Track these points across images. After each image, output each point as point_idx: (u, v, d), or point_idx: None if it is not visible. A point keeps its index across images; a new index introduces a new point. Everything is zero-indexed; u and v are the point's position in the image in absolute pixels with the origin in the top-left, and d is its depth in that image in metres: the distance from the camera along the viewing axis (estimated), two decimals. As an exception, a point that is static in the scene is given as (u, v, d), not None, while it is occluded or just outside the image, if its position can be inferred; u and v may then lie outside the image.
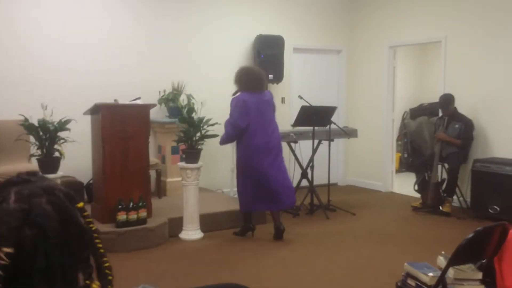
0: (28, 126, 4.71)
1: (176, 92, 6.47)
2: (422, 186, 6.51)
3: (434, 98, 7.48)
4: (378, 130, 7.82)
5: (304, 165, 6.36)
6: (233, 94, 5.30)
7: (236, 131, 5.07)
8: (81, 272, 0.97)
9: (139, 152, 5.19)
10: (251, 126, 5.04)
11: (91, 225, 1.02)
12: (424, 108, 9.23)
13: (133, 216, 4.93)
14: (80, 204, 1.01)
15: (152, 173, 5.91)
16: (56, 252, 0.91)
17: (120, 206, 4.88)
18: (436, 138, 6.45)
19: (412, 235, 5.47)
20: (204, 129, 5.33)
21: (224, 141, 5.26)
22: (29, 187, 0.95)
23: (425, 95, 9.41)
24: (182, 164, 5.26)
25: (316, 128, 6.18)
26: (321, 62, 8.11)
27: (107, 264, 1.05)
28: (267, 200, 5.12)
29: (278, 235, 5.21)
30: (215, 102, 6.55)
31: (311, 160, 6.24)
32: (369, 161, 7.98)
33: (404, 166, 9.27)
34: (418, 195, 6.62)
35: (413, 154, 9.09)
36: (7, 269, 0.87)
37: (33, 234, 0.89)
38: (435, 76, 8.09)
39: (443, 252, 3.45)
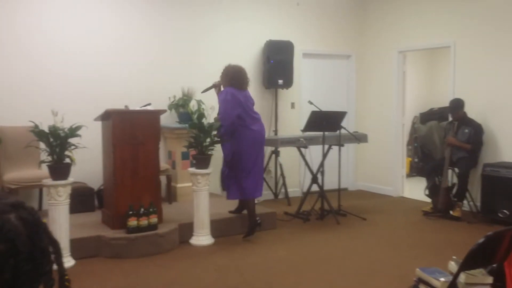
0: (38, 133, 4.73)
1: (186, 98, 6.50)
2: (432, 190, 6.47)
3: (444, 102, 7.45)
4: (388, 135, 7.79)
5: (314, 170, 6.34)
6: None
7: (229, 122, 5.25)
8: (43, 284, 1.01)
9: (149, 158, 5.21)
10: (246, 120, 5.32)
11: (54, 241, 1.05)
12: (434, 112, 9.19)
13: (144, 222, 4.95)
14: (44, 220, 1.04)
15: (163, 179, 5.93)
16: (25, 266, 0.95)
17: (130, 212, 4.90)
18: (446, 142, 6.42)
19: (422, 239, 5.43)
20: (215, 134, 5.34)
21: (223, 135, 5.33)
22: None
23: (435, 99, 9.37)
24: (193, 169, 5.28)
25: (326, 133, 6.17)
26: (331, 67, 8.11)
27: (66, 277, 1.10)
28: (252, 188, 5.40)
29: (253, 230, 5.40)
30: (224, 107, 6.55)
31: (321, 165, 6.22)
32: (379, 166, 7.95)
33: (414, 170, 9.22)
34: (428, 200, 6.58)
35: (424, 159, 9.04)
36: None
37: (4, 248, 0.93)
38: (444, 81, 8.05)
39: (454, 257, 3.43)
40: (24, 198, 5.73)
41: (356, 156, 8.27)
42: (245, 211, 5.65)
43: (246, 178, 5.34)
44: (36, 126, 4.74)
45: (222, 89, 5.51)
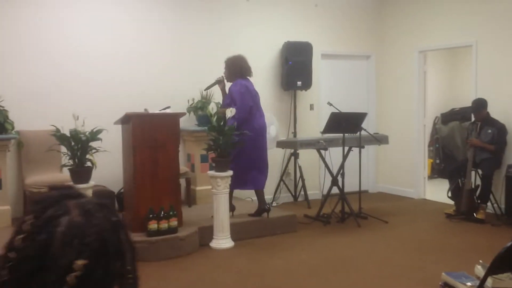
0: (60, 136, 4.78)
1: (205, 101, 6.49)
2: (455, 192, 6.36)
3: (466, 102, 7.32)
4: (409, 136, 7.69)
5: (334, 172, 6.28)
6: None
7: (245, 114, 5.41)
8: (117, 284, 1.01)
9: (169, 161, 5.21)
10: (256, 113, 5.55)
11: (131, 241, 1.04)
12: (455, 113, 9.04)
13: (164, 225, 4.95)
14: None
15: (182, 182, 5.93)
16: (115, 264, 0.95)
17: (151, 215, 4.91)
18: (469, 143, 6.31)
19: (446, 242, 5.33)
20: (234, 137, 5.32)
21: (238, 127, 5.37)
22: (87, 201, 0.98)
23: (456, 99, 9.21)
24: (212, 172, 5.26)
25: (346, 135, 6.11)
26: (350, 68, 8.03)
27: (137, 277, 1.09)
28: (260, 179, 5.61)
29: (261, 213, 5.64)
30: (243, 110, 6.54)
31: (342, 167, 6.16)
32: (400, 167, 7.85)
33: (436, 172, 9.08)
34: (451, 202, 6.47)
35: (445, 160, 8.91)
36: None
37: (98, 247, 0.93)
38: (466, 81, 7.93)
39: (480, 261, 3.36)
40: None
41: (377, 157, 8.18)
42: (264, 214, 5.64)
43: (253, 170, 5.44)
44: (58, 130, 4.79)
45: (226, 83, 5.69)
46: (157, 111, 5.40)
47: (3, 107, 5.39)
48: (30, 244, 0.93)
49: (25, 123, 5.64)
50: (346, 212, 6.15)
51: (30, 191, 5.35)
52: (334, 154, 6.46)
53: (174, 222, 5.02)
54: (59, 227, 0.93)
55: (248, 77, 5.65)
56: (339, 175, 6.18)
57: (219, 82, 5.74)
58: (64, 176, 5.21)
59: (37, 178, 5.43)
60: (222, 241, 5.20)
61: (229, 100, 5.54)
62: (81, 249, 0.91)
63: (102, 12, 6.19)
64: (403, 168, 7.81)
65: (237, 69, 5.57)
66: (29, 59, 5.80)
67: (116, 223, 0.99)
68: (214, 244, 5.20)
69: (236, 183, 5.51)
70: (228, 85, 5.68)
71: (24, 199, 5.63)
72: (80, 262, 0.89)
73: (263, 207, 5.68)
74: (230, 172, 5.27)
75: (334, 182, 6.25)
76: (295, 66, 7.10)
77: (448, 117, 9.14)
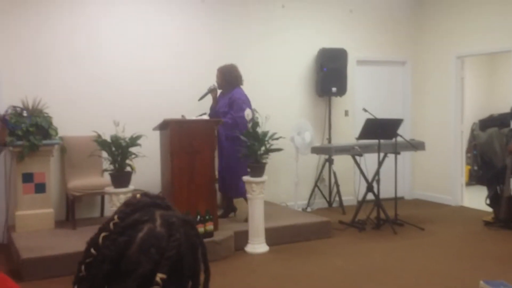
0: (101, 142, 4.93)
1: (240, 107, 6.56)
2: (494, 200, 6.23)
3: (505, 108, 7.17)
4: (446, 142, 7.58)
5: (369, 179, 6.26)
6: (200, 98, 5.88)
7: (248, 122, 5.45)
8: None
9: (205, 166, 5.30)
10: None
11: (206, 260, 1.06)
12: (494, 119, 8.85)
13: (200, 229, 5.03)
14: (200, 231, 1.06)
15: (218, 187, 6.01)
16: (187, 282, 0.97)
17: (187, 219, 4.99)
18: (508, 150, 6.18)
19: (484, 250, 5.24)
20: (269, 143, 5.39)
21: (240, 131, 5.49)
22: (173, 215, 1.00)
23: (495, 106, 9.03)
24: (247, 178, 5.33)
25: (381, 141, 6.08)
26: (386, 74, 7.99)
27: None
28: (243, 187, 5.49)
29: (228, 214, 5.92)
30: (278, 116, 6.60)
31: (377, 173, 6.13)
32: (437, 174, 7.74)
33: (474, 179, 8.89)
34: (490, 209, 6.34)
35: (484, 167, 8.70)
36: None
37: (175, 263, 0.94)
38: (505, 86, 7.77)
39: (521, 270, 3.30)
40: (86, 205, 5.97)
41: (413, 164, 8.09)
42: (231, 214, 5.94)
43: (241, 177, 5.47)
44: (99, 136, 4.94)
45: (218, 92, 5.86)
46: (194, 118, 5.51)
47: (47, 113, 5.60)
48: (110, 244, 0.95)
49: (68, 129, 5.84)
50: (381, 218, 6.11)
51: (72, 195, 5.53)
52: (369, 160, 6.43)
53: (210, 226, 5.10)
54: (141, 232, 0.95)
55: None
56: (375, 181, 6.15)
57: (212, 90, 5.87)
58: (105, 180, 5.36)
59: (79, 182, 5.62)
60: (257, 245, 5.25)
61: (226, 108, 5.68)
62: (157, 260, 0.92)
63: (140, 22, 6.36)
64: (440, 174, 7.70)
65: (233, 78, 5.77)
66: (72, 68, 6.01)
67: (195, 242, 1.00)
68: (249, 248, 5.26)
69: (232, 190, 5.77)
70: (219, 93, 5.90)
71: (66, 203, 5.82)
72: (160, 276, 0.91)
73: (232, 208, 5.95)
74: (265, 178, 5.32)
75: (370, 188, 6.22)
76: (330, 72, 7.12)
77: (486, 123, 8.95)
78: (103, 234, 0.97)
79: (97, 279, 0.94)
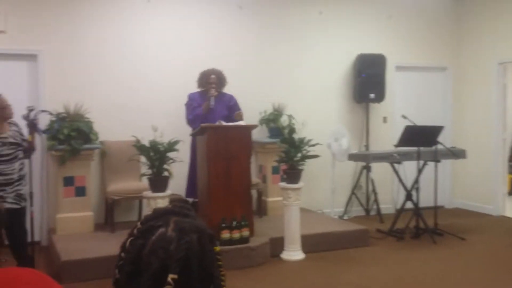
0: (140, 147, 5.01)
1: (277, 113, 6.56)
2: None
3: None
4: (488, 150, 7.36)
5: (409, 187, 6.13)
6: (207, 107, 5.75)
7: None
8: None
9: (241, 172, 5.30)
10: None
11: (221, 270, 1.08)
12: (539, 126, 8.55)
13: (236, 234, 5.04)
14: (217, 248, 1.09)
15: (253, 193, 6.01)
16: (196, 284, 1.01)
17: (223, 225, 5.01)
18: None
19: (530, 264, 5.05)
20: (305, 149, 5.35)
21: None
22: (188, 222, 1.06)
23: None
24: (284, 184, 5.30)
25: (421, 148, 5.96)
26: (425, 81, 7.83)
27: None
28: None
29: None
30: (316, 122, 6.57)
31: (416, 181, 6.00)
32: (478, 183, 7.52)
33: (517, 188, 8.61)
34: (535, 221, 6.11)
35: (528, 176, 8.42)
36: None
37: (184, 266, 0.99)
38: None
39: None
40: (124, 208, 6.06)
41: (453, 172, 7.88)
42: None
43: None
44: (138, 141, 5.03)
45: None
46: (230, 124, 5.53)
47: (88, 118, 5.72)
48: (131, 248, 1.04)
49: (108, 134, 5.95)
50: (420, 227, 5.97)
51: (111, 198, 5.63)
52: (408, 168, 6.31)
53: (246, 232, 5.09)
54: (154, 236, 1.03)
55: None
56: (414, 189, 6.03)
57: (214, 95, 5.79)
58: (143, 185, 5.44)
59: (118, 186, 5.71)
60: (293, 252, 5.21)
61: (226, 111, 5.77)
62: (164, 259, 0.98)
63: (179, 30, 6.43)
64: (481, 183, 7.48)
65: (225, 81, 5.98)
66: (113, 74, 6.13)
67: (208, 249, 1.04)
68: (285, 255, 5.22)
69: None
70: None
71: (105, 206, 5.93)
72: (171, 276, 0.96)
73: None
74: (302, 184, 5.28)
75: (409, 196, 6.10)
76: (368, 78, 7.03)
77: (531, 131, 8.66)
78: (130, 239, 1.06)
79: (123, 279, 1.03)
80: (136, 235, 1.05)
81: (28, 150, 4.48)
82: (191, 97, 5.85)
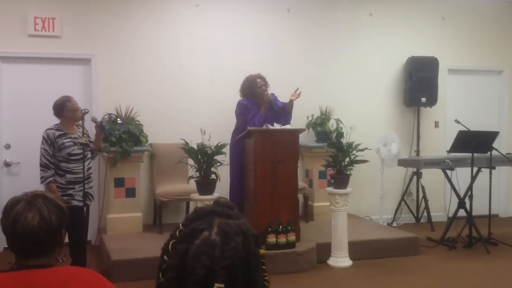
0: (188, 150, 5.07)
1: (324, 117, 6.49)
2: None
3: None
4: (547, 157, 7.00)
5: (461, 194, 5.92)
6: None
7: None
8: None
9: (288, 176, 5.27)
10: None
11: (265, 274, 1.03)
12: None
13: (282, 239, 5.00)
14: (262, 251, 1.03)
15: (300, 197, 5.96)
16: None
17: (270, 229, 4.99)
18: None
19: None
20: (353, 154, 5.26)
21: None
22: (231, 224, 1.00)
23: None
24: (331, 189, 5.23)
25: (475, 154, 5.74)
26: (480, 84, 7.55)
27: None
28: None
29: None
30: (364, 126, 6.44)
31: (470, 188, 5.78)
32: (536, 191, 7.18)
33: None
34: None
35: None
36: None
37: (230, 272, 0.95)
38: None
39: None
40: (172, 210, 6.15)
41: (509, 180, 7.56)
42: None
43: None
44: (187, 144, 5.08)
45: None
46: (277, 127, 5.51)
47: (139, 121, 5.85)
48: (174, 252, 0.99)
49: (157, 136, 6.07)
50: (473, 236, 5.75)
51: (160, 200, 5.72)
52: (461, 175, 6.09)
53: (292, 237, 5.05)
54: (197, 240, 0.97)
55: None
56: (467, 197, 5.81)
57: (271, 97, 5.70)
58: (190, 187, 5.49)
59: (166, 188, 5.80)
60: (340, 259, 5.13)
61: (275, 112, 5.69)
62: (209, 266, 0.93)
63: (227, 33, 6.47)
64: (540, 192, 7.13)
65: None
66: (162, 78, 6.24)
67: (253, 253, 0.99)
68: (332, 262, 5.15)
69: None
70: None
71: (154, 208, 6.03)
72: (218, 286, 0.91)
73: None
74: (349, 189, 5.20)
75: (461, 204, 5.89)
76: (419, 81, 6.84)
77: None
78: (172, 241, 1.01)
79: (167, 285, 0.99)
80: (178, 238, 1.01)
81: (94, 151, 4.66)
82: (247, 105, 5.63)
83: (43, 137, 4.40)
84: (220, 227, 0.99)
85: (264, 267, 1.04)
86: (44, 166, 4.35)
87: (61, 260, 1.73)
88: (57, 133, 4.40)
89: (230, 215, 1.03)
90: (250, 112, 5.59)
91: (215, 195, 5.01)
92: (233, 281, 0.94)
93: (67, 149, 4.38)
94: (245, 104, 5.63)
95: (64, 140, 4.39)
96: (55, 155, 4.37)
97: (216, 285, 0.92)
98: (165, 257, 1.01)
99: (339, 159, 5.21)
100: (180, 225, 1.03)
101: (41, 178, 4.36)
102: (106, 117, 4.89)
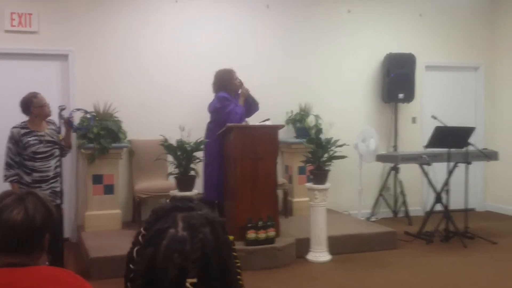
0: (167, 146, 5.05)
1: (304, 113, 6.52)
2: None
3: None
4: (522, 152, 7.15)
5: (438, 189, 6.01)
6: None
7: None
8: None
9: (268, 172, 5.28)
10: None
11: (237, 261, 1.02)
12: None
13: (262, 235, 5.02)
14: (231, 237, 1.02)
15: (279, 193, 5.99)
16: (216, 284, 0.94)
17: (249, 225, 5.00)
18: None
19: None
20: (332, 150, 5.30)
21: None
22: (195, 216, 0.97)
23: None
24: (310, 185, 5.27)
25: (451, 150, 5.83)
26: (456, 80, 7.66)
27: None
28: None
29: None
30: (343, 122, 6.49)
31: (446, 183, 5.88)
32: (510, 185, 7.32)
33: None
34: None
35: None
36: None
37: (198, 258, 0.92)
38: None
39: None
40: (152, 207, 6.07)
41: (485, 174, 7.70)
42: None
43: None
44: (166, 140, 5.06)
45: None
46: (257, 123, 5.51)
47: (117, 117, 5.80)
48: (140, 258, 0.95)
49: (136, 133, 6.02)
50: (450, 230, 5.84)
51: (139, 197, 5.69)
52: (437, 170, 6.18)
53: (272, 233, 5.07)
54: (165, 240, 0.93)
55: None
56: (444, 192, 5.90)
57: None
58: (170, 183, 5.47)
59: (145, 185, 5.77)
60: (319, 254, 5.17)
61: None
62: (182, 264, 0.90)
63: (206, 29, 6.45)
64: (514, 186, 7.28)
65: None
66: (141, 74, 6.19)
67: (223, 239, 0.97)
68: (311, 256, 5.18)
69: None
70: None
71: (133, 204, 6.00)
72: (190, 281, 0.89)
73: None
74: (328, 185, 5.24)
75: (438, 198, 5.98)
76: (397, 78, 6.91)
77: None
78: (136, 248, 0.97)
79: None
80: (143, 243, 0.96)
81: (64, 148, 4.58)
82: (228, 98, 5.60)
83: (9, 135, 4.35)
84: (185, 221, 0.95)
85: (234, 253, 1.02)
86: (7, 165, 4.31)
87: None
88: (22, 131, 4.33)
89: (192, 207, 1.00)
90: (231, 104, 5.58)
91: (195, 191, 5.01)
92: (206, 272, 0.92)
93: (32, 148, 4.31)
94: (226, 97, 5.59)
95: (29, 139, 4.32)
96: (20, 153, 4.31)
97: (189, 280, 0.89)
98: (130, 265, 0.97)
99: (318, 155, 5.25)
100: (142, 229, 0.99)
101: (3, 176, 4.32)
102: (75, 112, 4.83)
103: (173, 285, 0.90)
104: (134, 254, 0.97)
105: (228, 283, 0.97)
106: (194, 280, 0.90)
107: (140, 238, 0.97)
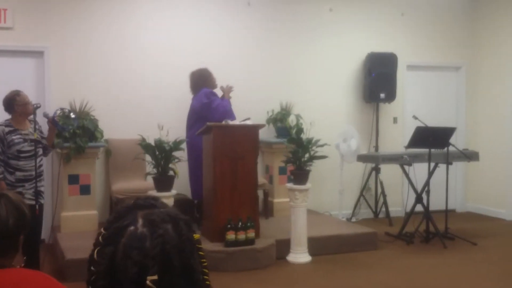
0: (145, 146, 4.95)
1: (285, 112, 6.47)
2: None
3: None
4: (502, 153, 7.18)
5: (419, 189, 6.00)
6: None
7: None
8: None
9: (248, 172, 5.22)
10: None
11: (203, 260, 0.99)
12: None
13: (241, 236, 4.95)
14: (197, 236, 0.99)
15: (260, 193, 5.92)
16: (180, 281, 0.90)
17: (229, 226, 4.93)
18: None
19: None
20: (313, 150, 5.25)
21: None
22: (157, 212, 0.95)
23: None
24: (290, 185, 5.21)
25: (432, 150, 5.83)
26: (438, 80, 7.68)
27: None
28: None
29: None
30: (324, 122, 6.45)
31: (427, 184, 5.87)
32: (491, 186, 7.36)
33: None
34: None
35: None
36: None
37: (163, 261, 0.90)
38: None
39: None
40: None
41: (466, 175, 7.72)
42: None
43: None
44: (144, 140, 4.96)
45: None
46: (237, 123, 5.44)
47: (94, 116, 5.67)
48: (101, 259, 0.93)
49: (113, 132, 5.91)
50: (431, 231, 5.84)
51: (116, 197, 5.57)
52: (418, 170, 6.17)
53: (251, 234, 5.01)
54: (123, 238, 0.92)
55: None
56: (424, 192, 5.90)
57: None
58: (148, 184, 5.37)
59: (122, 185, 5.66)
60: (300, 255, 5.11)
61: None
62: (141, 261, 0.88)
63: (185, 26, 6.36)
64: (494, 187, 7.31)
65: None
66: (118, 72, 6.08)
67: (186, 236, 0.95)
68: (291, 257, 5.13)
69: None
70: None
71: (110, 205, 5.88)
72: (150, 278, 0.86)
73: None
74: (309, 185, 5.19)
75: (419, 199, 5.97)
76: (379, 77, 6.90)
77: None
78: (97, 249, 0.94)
79: None
80: (102, 243, 0.94)
81: (47, 147, 4.51)
82: (214, 92, 5.67)
83: None
84: (145, 218, 0.93)
85: (201, 252, 0.99)
86: None
87: (18, 267, 1.67)
88: (7, 129, 4.27)
89: (154, 205, 0.97)
90: (217, 99, 5.60)
91: (173, 192, 4.92)
92: (168, 270, 0.89)
93: (16, 146, 4.25)
94: (212, 92, 5.65)
95: (14, 137, 4.26)
96: (4, 152, 4.24)
97: (149, 278, 0.86)
98: (92, 268, 0.94)
99: (299, 154, 5.20)
100: (102, 229, 0.96)
101: None
102: (59, 111, 4.73)
103: (134, 284, 0.88)
104: (95, 256, 0.95)
105: (192, 282, 0.94)
106: (155, 277, 0.87)
107: (100, 238, 0.95)
